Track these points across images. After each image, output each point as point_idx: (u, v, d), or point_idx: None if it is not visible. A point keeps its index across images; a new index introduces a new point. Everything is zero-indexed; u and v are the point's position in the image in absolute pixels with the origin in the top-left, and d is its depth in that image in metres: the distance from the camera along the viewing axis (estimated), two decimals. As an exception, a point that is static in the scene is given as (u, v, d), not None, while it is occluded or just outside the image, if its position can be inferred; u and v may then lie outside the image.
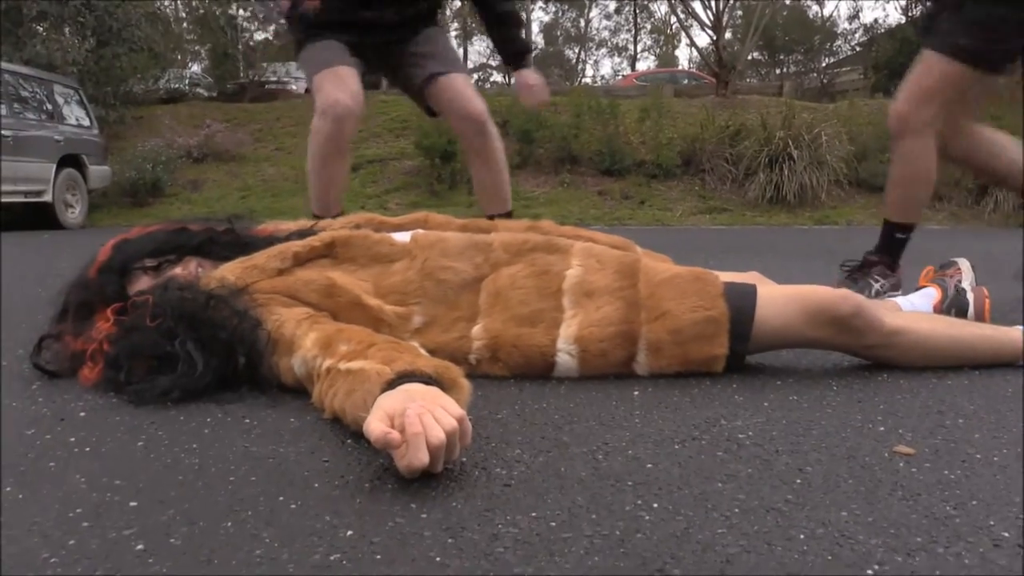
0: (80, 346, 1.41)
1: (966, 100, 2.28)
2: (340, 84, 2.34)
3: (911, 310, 1.89)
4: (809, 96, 16.70)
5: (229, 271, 1.41)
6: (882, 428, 1.14)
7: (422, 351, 1.17)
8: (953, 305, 1.97)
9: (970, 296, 1.99)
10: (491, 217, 2.43)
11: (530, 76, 2.65)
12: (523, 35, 2.72)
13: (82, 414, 1.22)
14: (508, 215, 2.58)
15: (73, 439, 1.10)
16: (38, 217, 8.19)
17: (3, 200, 7.50)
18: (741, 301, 1.40)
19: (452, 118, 2.56)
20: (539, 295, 1.39)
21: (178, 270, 1.49)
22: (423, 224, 1.64)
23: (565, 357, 1.37)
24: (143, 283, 1.49)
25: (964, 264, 2.10)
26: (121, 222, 9.36)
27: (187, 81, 16.52)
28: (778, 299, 1.41)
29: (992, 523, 0.80)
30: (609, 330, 1.36)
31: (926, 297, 2.00)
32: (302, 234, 1.52)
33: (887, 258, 2.40)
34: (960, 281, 2.04)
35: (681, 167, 10.23)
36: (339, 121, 2.31)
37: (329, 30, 2.43)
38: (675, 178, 10.18)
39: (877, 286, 2.35)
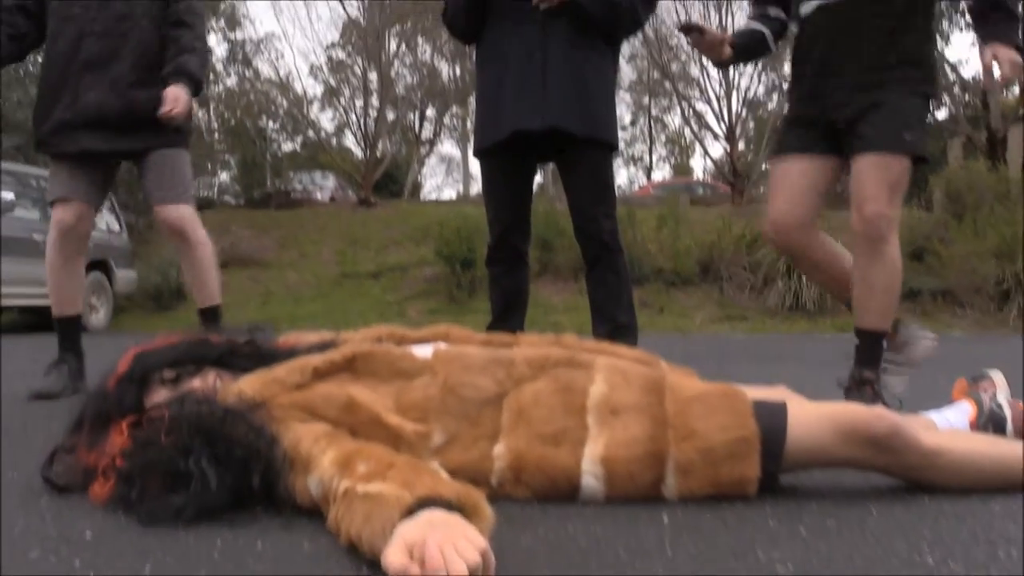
0: (93, 460, 1.38)
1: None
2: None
3: (947, 427, 1.82)
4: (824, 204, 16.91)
5: (248, 384, 1.39)
6: (930, 559, 1.07)
7: (443, 473, 1.13)
8: (990, 421, 1.90)
9: (1007, 411, 1.92)
10: (201, 311, 3.02)
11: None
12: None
13: (88, 534, 1.18)
14: (212, 311, 3.02)
15: (78, 562, 1.05)
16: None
17: (35, 303, 7.62)
18: (772, 420, 1.35)
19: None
20: (563, 413, 1.36)
21: (196, 382, 1.47)
22: (444, 337, 1.63)
23: (591, 480, 1.32)
24: (161, 395, 1.47)
25: (998, 377, 2.05)
26: (144, 326, 9.46)
27: (216, 189, 17.06)
28: (811, 418, 1.37)
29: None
30: (636, 450, 1.32)
31: (961, 412, 1.93)
32: (323, 347, 1.51)
33: (876, 372, 2.33)
34: (996, 395, 1.97)
35: (699, 275, 10.28)
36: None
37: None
38: (694, 286, 10.21)
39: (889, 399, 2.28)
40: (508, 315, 2.66)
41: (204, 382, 1.47)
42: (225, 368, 1.51)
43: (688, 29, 2.47)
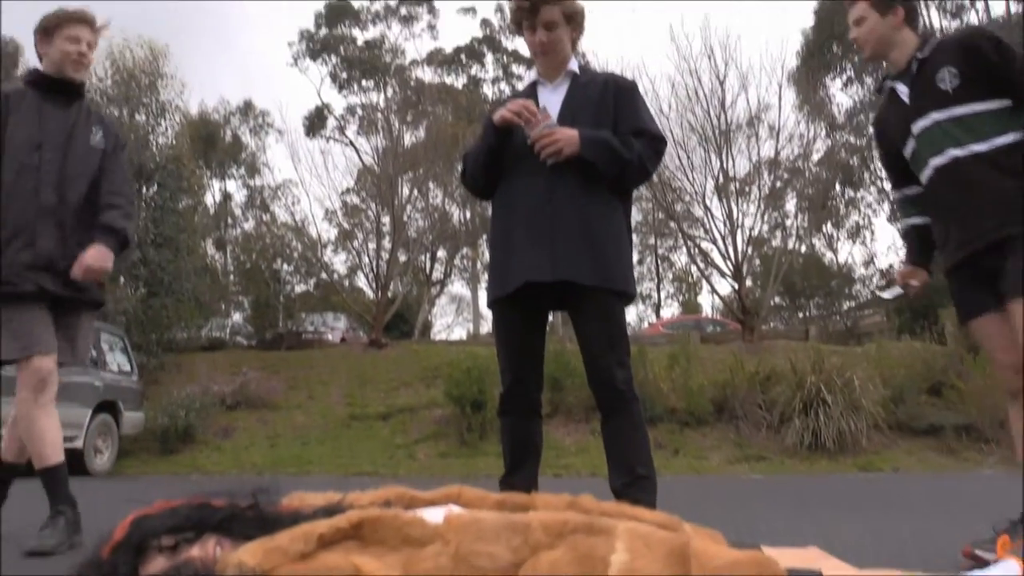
0: (82, 638, 1.29)
1: None
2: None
3: (995, 591, 1.70)
4: (835, 339, 16.87)
5: (248, 554, 1.31)
6: None
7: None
8: (1040, 582, 1.78)
9: (1058, 571, 1.80)
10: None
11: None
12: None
13: None
14: (50, 472, 2.94)
15: None
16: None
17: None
18: (808, 592, 1.26)
19: None
20: (583, 585, 1.27)
21: (195, 551, 1.39)
22: (456, 499, 1.56)
23: (614, 662, 1.22)
24: (158, 564, 1.39)
25: (1043, 530, 1.94)
26: (148, 470, 9.28)
27: (228, 330, 17.20)
28: (850, 589, 1.27)
29: None
30: (663, 629, 1.22)
31: (1010, 572, 1.82)
32: (329, 511, 1.44)
33: None
34: (1042, 552, 1.86)
35: (714, 414, 10.10)
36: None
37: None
38: (708, 425, 10.01)
39: None
40: (521, 466, 2.58)
41: (203, 550, 1.39)
42: (226, 534, 1.43)
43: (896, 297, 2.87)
